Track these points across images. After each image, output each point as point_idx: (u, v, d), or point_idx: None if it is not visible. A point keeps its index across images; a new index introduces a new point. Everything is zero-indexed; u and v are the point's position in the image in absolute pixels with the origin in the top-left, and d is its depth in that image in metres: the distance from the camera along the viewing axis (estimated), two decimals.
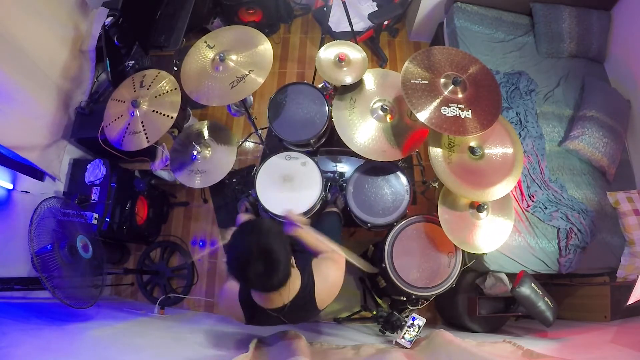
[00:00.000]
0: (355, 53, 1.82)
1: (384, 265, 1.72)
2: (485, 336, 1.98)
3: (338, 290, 1.27)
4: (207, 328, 1.87)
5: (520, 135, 2.26)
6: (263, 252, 1.01)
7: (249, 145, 2.80)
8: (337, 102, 1.79)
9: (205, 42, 1.74)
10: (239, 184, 2.51)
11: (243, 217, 1.84)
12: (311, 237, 1.40)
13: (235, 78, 1.63)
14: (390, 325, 1.77)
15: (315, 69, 2.15)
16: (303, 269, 1.22)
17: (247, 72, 1.64)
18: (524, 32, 2.70)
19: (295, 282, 1.19)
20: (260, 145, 2.48)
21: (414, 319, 1.69)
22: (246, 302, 1.22)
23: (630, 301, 1.50)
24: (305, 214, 1.76)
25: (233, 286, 1.26)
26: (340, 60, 1.76)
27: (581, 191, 2.25)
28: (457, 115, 1.50)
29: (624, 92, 2.52)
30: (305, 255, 1.35)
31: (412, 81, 1.54)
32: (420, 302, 1.88)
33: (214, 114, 2.93)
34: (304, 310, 1.22)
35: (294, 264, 1.15)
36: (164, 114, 1.69)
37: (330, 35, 2.90)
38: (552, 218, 2.10)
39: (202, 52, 1.72)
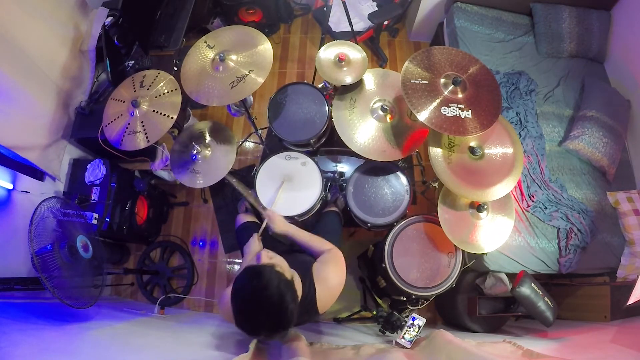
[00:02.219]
0: (355, 53, 1.81)
1: (384, 265, 1.72)
2: (485, 336, 1.98)
3: (339, 291, 1.27)
4: (207, 328, 1.87)
5: (520, 135, 2.26)
6: (272, 308, 1.01)
7: (249, 145, 2.80)
8: (337, 102, 1.79)
9: (205, 42, 1.74)
10: (239, 183, 2.51)
11: (244, 217, 1.84)
12: (302, 234, 1.43)
13: (235, 78, 1.63)
14: (390, 325, 1.77)
15: (315, 69, 2.15)
16: (304, 276, 1.22)
17: (247, 72, 1.64)
18: (524, 32, 2.70)
19: (297, 290, 1.19)
20: (260, 145, 2.48)
21: (414, 319, 1.69)
22: None
23: (630, 301, 1.50)
24: (305, 214, 1.76)
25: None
26: (340, 60, 1.76)
27: (581, 191, 2.25)
28: (457, 115, 1.50)
29: (624, 92, 2.52)
30: (305, 259, 1.35)
31: (412, 81, 1.54)
32: (420, 302, 1.88)
33: (214, 114, 2.93)
34: (305, 315, 1.23)
35: (298, 300, 1.13)
36: (164, 114, 1.69)
37: (330, 35, 2.90)
38: (552, 218, 2.10)
39: (202, 52, 1.72)
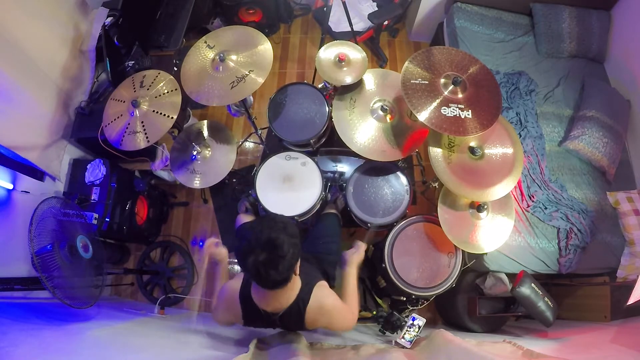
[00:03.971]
0: (355, 53, 1.82)
1: (384, 265, 1.72)
2: (485, 336, 1.98)
3: (327, 320, 1.24)
4: (207, 328, 1.87)
5: (520, 135, 2.26)
6: (269, 244, 1.02)
7: (249, 145, 2.80)
8: (337, 102, 1.79)
9: (206, 42, 1.74)
10: (239, 184, 2.51)
11: (244, 217, 1.84)
12: (353, 282, 1.43)
13: (235, 78, 1.63)
14: (390, 325, 1.77)
15: (315, 69, 2.15)
16: (305, 284, 1.22)
17: (247, 72, 1.64)
18: (524, 32, 2.70)
19: (295, 288, 1.20)
20: (260, 145, 2.48)
21: (414, 319, 1.69)
22: (246, 302, 1.22)
23: (630, 301, 1.49)
24: (305, 214, 1.76)
25: (234, 285, 1.26)
26: (340, 60, 1.76)
27: (581, 191, 2.25)
28: (457, 115, 1.50)
29: (624, 92, 2.52)
30: (312, 272, 1.35)
31: (412, 81, 1.54)
32: (420, 302, 1.88)
33: (214, 114, 2.93)
34: (294, 321, 1.24)
35: (297, 272, 1.14)
36: (164, 114, 1.69)
37: (330, 35, 2.90)
38: (552, 218, 2.10)
39: (202, 52, 1.72)
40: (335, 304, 1.25)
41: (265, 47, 1.69)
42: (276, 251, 1.02)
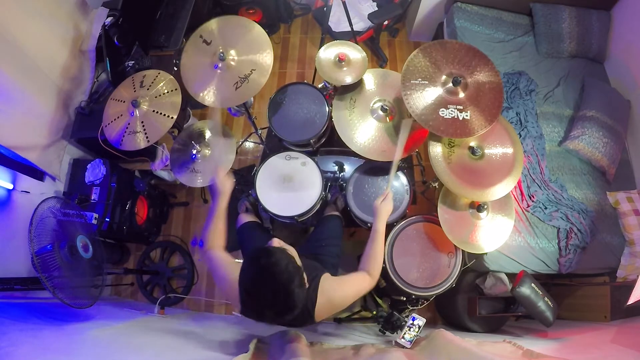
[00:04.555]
0: (355, 53, 1.81)
1: (384, 265, 1.72)
2: (485, 336, 1.98)
3: (340, 308, 1.26)
4: (207, 328, 1.87)
5: (520, 135, 2.26)
6: (278, 303, 1.02)
7: (249, 145, 2.80)
8: (337, 102, 1.79)
9: (201, 36, 1.70)
10: (239, 184, 2.51)
11: (245, 217, 1.84)
12: (381, 241, 1.39)
13: (237, 79, 1.63)
14: (390, 325, 1.77)
15: (315, 69, 2.15)
16: (310, 281, 1.21)
17: (249, 72, 1.63)
18: (524, 32, 2.70)
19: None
20: (260, 145, 2.48)
21: (414, 319, 1.69)
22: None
23: (630, 301, 1.50)
24: (305, 214, 1.76)
25: (233, 275, 1.18)
26: (340, 60, 1.76)
27: (581, 191, 2.25)
28: (455, 117, 1.50)
29: (624, 92, 2.52)
30: (315, 265, 1.34)
31: (412, 81, 1.54)
32: (420, 302, 1.88)
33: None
34: (304, 321, 1.23)
35: (306, 285, 1.13)
36: (164, 114, 1.69)
37: (330, 35, 2.90)
38: (552, 218, 2.10)
39: (202, 53, 1.71)
40: (344, 292, 1.24)
41: (258, 31, 1.67)
42: (288, 306, 1.03)
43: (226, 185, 1.47)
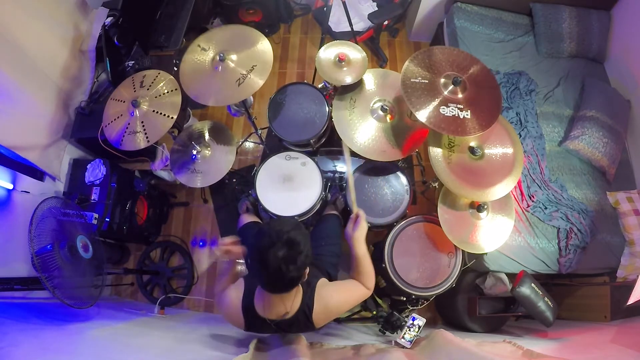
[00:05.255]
0: (355, 53, 1.82)
1: (384, 265, 1.72)
2: (485, 336, 1.98)
3: (338, 314, 1.28)
4: (207, 328, 1.87)
5: (520, 135, 2.26)
6: (289, 240, 1.04)
7: (249, 145, 2.80)
8: (337, 102, 1.79)
9: (199, 45, 1.72)
10: (239, 184, 2.51)
11: (246, 217, 1.84)
12: (367, 260, 1.37)
13: (236, 78, 1.63)
14: (390, 325, 1.77)
15: (315, 69, 2.15)
16: (307, 284, 1.23)
17: (246, 72, 1.63)
18: (524, 32, 2.70)
19: (299, 294, 1.20)
20: (260, 145, 2.48)
21: (414, 319, 1.69)
22: (248, 312, 1.22)
23: (630, 301, 1.50)
24: (305, 214, 1.76)
25: (235, 295, 1.25)
26: (340, 60, 1.76)
27: (581, 191, 2.25)
28: (456, 115, 1.50)
29: (624, 92, 2.52)
30: (314, 270, 1.35)
31: (412, 80, 1.54)
32: (420, 302, 1.88)
33: (214, 114, 2.93)
34: (303, 327, 1.25)
35: (307, 275, 1.14)
36: (164, 114, 1.69)
37: (330, 35, 2.90)
38: (552, 218, 2.10)
39: (199, 55, 1.71)
40: (340, 299, 1.26)
41: (265, 46, 1.68)
42: (296, 247, 1.04)
43: (239, 253, 1.40)
